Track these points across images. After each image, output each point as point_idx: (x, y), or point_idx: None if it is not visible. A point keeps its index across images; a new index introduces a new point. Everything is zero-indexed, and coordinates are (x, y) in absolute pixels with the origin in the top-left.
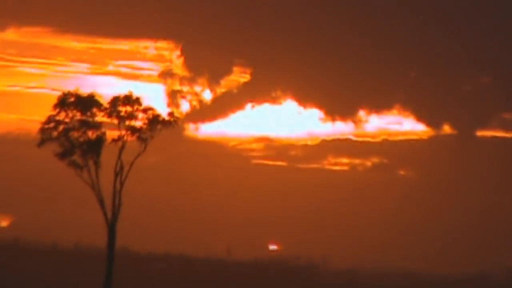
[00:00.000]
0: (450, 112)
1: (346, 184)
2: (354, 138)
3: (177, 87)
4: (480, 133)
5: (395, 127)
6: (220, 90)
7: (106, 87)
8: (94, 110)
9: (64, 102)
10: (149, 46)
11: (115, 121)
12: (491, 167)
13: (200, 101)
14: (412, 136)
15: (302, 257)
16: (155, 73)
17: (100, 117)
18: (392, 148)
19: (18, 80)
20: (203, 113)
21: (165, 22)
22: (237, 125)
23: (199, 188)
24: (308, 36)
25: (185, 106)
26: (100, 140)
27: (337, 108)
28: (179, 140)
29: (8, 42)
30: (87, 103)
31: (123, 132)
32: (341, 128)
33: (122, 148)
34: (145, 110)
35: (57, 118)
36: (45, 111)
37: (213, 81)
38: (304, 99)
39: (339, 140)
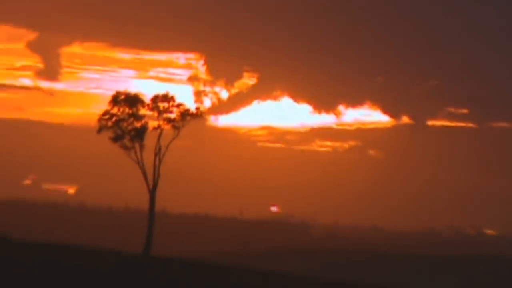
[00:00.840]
0: (408, 107)
1: (329, 161)
2: (335, 127)
3: (202, 88)
4: (430, 123)
5: (366, 118)
6: (234, 90)
7: (148, 88)
8: (139, 105)
9: (117, 99)
10: (180, 57)
11: (155, 114)
12: (438, 148)
13: (219, 99)
14: (379, 125)
15: (296, 216)
16: (185, 78)
17: (143, 111)
18: (364, 134)
19: (81, 82)
20: (221, 108)
21: (192, 39)
22: (246, 117)
23: (217, 164)
24: (300, 51)
25: (207, 103)
26: (144, 128)
27: (322, 104)
28: (203, 128)
29: (74, 53)
30: (133, 100)
31: (161, 122)
32: (325, 119)
33: (160, 134)
34: (178, 106)
35: (111, 111)
36: (102, 106)
37: (228, 84)
38: (297, 97)
39: (323, 128)
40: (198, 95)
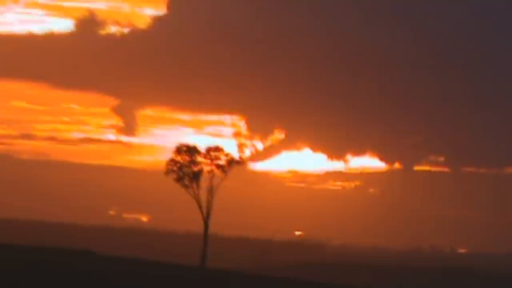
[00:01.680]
0: (399, 156)
1: (339, 197)
2: (344, 171)
3: (243, 141)
4: (416, 168)
5: (367, 164)
6: (267, 143)
7: (203, 142)
8: (196, 155)
9: (180, 150)
10: (227, 118)
11: (208, 161)
12: (422, 187)
13: (256, 150)
14: (377, 169)
15: (314, 237)
16: (230, 134)
17: (199, 159)
18: (365, 177)
19: (152, 137)
20: (258, 156)
21: (236, 105)
22: (276, 163)
23: (255, 198)
24: (317, 115)
25: (247, 153)
26: (200, 172)
27: (334, 153)
28: (244, 172)
29: (146, 115)
30: (192, 150)
31: (213, 167)
32: (336, 165)
33: (212, 176)
34: (225, 155)
35: (175, 159)
36: (168, 155)
37: (263, 138)
38: (315, 148)
39: (335, 172)
40: (240, 147)
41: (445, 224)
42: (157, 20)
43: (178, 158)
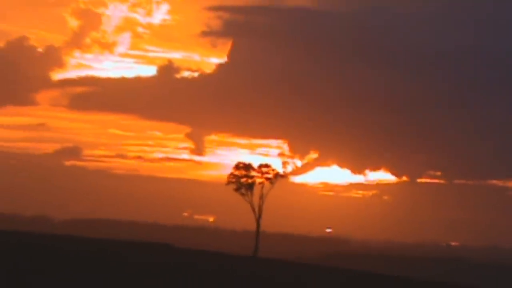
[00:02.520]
0: (406, 171)
1: (360, 203)
2: (364, 182)
3: (286, 160)
4: (419, 180)
5: (382, 177)
6: (304, 161)
7: (256, 160)
8: (250, 170)
9: (238, 166)
10: (274, 142)
11: (260, 175)
12: (424, 195)
13: (296, 166)
14: (389, 181)
15: (341, 234)
16: (276, 154)
17: (253, 173)
18: (380, 187)
19: (216, 157)
20: (297, 171)
21: (281, 131)
22: (312, 177)
23: (295, 205)
24: (344, 139)
25: (289, 169)
26: (253, 183)
27: (356, 169)
28: (287, 183)
29: (212, 140)
30: (247, 167)
31: (263, 180)
32: (358, 178)
33: (262, 187)
34: (273, 170)
35: (234, 173)
36: (229, 171)
37: (301, 157)
38: (342, 165)
39: (357, 183)
40: (284, 164)
41: (441, 224)
42: (220, 66)
43: (237, 173)
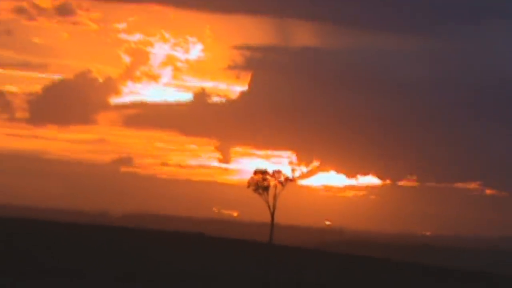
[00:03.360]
0: (389, 175)
1: (352, 201)
2: (356, 185)
3: (294, 167)
4: (399, 183)
5: (370, 181)
6: (309, 168)
7: (270, 167)
8: (266, 175)
9: (256, 172)
10: (284, 153)
11: (273, 179)
12: (402, 195)
13: (302, 172)
14: (376, 184)
15: (337, 225)
16: (286, 162)
17: (268, 177)
18: (369, 189)
19: (239, 164)
20: (303, 176)
21: (291, 145)
22: (314, 180)
23: (301, 203)
24: (340, 150)
25: (297, 174)
26: (268, 185)
27: (350, 174)
28: (295, 186)
29: (236, 151)
30: (263, 172)
31: (276, 182)
32: (351, 182)
33: (275, 188)
34: (284, 175)
35: (253, 177)
36: (249, 175)
37: (306, 165)
38: (338, 171)
39: (350, 185)
40: (293, 170)
41: (416, 218)
42: (242, 93)
43: (255, 177)
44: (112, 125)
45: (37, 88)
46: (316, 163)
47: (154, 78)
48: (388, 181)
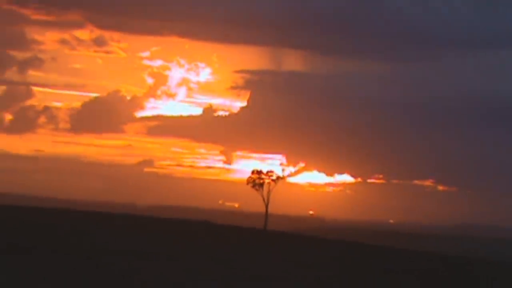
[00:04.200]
0: (360, 174)
1: (331, 195)
2: (334, 182)
3: (284, 167)
4: (368, 181)
5: (345, 179)
6: (296, 168)
7: (265, 168)
8: (262, 174)
9: (253, 172)
10: (277, 156)
11: (267, 177)
12: (371, 189)
13: (290, 172)
14: (350, 182)
15: (319, 215)
16: (278, 163)
17: (263, 176)
18: (344, 185)
19: (240, 166)
20: (291, 175)
21: (281, 150)
22: (301, 178)
23: (289, 196)
24: (320, 154)
25: (286, 173)
26: (263, 182)
27: (329, 173)
28: (284, 183)
29: (237, 155)
30: (259, 172)
31: (269, 180)
32: (330, 179)
33: (269, 185)
34: (276, 174)
35: (251, 176)
36: (248, 174)
37: (294, 166)
38: (319, 170)
39: (329, 183)
40: (283, 170)
41: (383, 208)
42: (242, 108)
43: (253, 176)
44: (137, 133)
45: (77, 104)
46: (301, 164)
47: (171, 96)
48: (359, 179)
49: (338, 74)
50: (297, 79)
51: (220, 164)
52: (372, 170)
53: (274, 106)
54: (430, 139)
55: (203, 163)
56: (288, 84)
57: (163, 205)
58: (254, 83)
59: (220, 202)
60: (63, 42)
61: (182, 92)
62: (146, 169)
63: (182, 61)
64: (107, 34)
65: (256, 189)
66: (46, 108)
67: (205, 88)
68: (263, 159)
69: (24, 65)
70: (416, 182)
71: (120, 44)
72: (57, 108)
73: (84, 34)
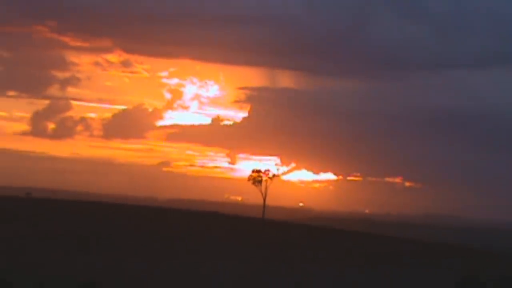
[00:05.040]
0: (341, 172)
1: (318, 190)
2: (319, 179)
3: (279, 167)
4: (348, 178)
5: (329, 177)
6: (288, 168)
7: (263, 167)
8: (260, 172)
9: (253, 171)
10: (273, 158)
11: (265, 175)
12: (350, 185)
13: (284, 171)
14: (333, 179)
15: (308, 207)
16: (274, 164)
17: (261, 174)
18: (329, 182)
19: (242, 165)
20: (284, 173)
21: (276, 152)
22: (292, 176)
23: (284, 191)
24: (309, 156)
25: (281, 171)
26: (261, 179)
27: (315, 171)
28: (279, 180)
29: (240, 157)
30: (258, 171)
31: (266, 178)
32: (317, 177)
33: (266, 181)
34: (272, 172)
35: (252, 174)
36: (248, 172)
37: (287, 165)
38: (308, 169)
39: (316, 180)
40: (278, 169)
41: (360, 201)
42: (244, 118)
43: (253, 174)
44: (157, 139)
45: (108, 115)
46: (293, 165)
47: (186, 108)
48: (341, 177)
49: (324, 91)
50: (290, 94)
51: (226, 164)
52: (351, 169)
53: (270, 116)
54: (400, 144)
55: (211, 164)
56: (282, 98)
57: (179, 199)
58: (254, 97)
59: (226, 196)
60: (96, 64)
61: (194, 105)
62: (165, 169)
63: (195, 80)
64: (132, 58)
65: (256, 185)
66: (82, 119)
67: (213, 101)
68: (261, 160)
69: (64, 83)
70: (387, 179)
71: (143, 65)
72: (91, 119)
73: (114, 57)
